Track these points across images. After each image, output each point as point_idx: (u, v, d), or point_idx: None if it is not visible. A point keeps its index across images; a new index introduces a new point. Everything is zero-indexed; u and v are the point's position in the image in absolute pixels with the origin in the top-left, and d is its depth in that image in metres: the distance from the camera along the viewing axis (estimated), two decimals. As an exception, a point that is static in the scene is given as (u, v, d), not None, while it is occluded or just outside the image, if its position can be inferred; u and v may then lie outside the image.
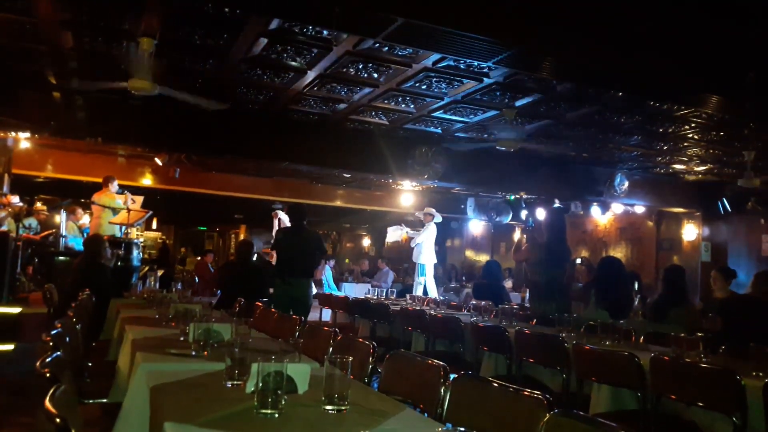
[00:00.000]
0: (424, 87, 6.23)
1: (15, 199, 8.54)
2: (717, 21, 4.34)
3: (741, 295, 5.93)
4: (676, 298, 5.14)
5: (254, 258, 7.59)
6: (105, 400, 3.18)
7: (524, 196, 11.65)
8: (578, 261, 9.01)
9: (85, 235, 9.00)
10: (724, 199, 10.33)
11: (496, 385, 2.20)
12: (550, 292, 6.03)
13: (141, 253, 9.14)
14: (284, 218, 10.61)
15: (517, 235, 14.88)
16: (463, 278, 14.70)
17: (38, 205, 10.02)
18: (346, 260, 18.26)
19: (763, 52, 4.59)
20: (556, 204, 10.43)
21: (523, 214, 11.98)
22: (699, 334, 3.84)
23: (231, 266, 7.81)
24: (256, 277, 6.93)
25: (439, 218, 10.55)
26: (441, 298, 9.58)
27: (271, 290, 6.83)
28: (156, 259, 14.06)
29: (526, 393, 2.04)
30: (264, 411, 1.79)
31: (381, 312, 6.63)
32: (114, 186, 8.61)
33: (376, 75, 5.95)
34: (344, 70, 5.82)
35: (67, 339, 2.77)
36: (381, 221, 16.26)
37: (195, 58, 5.73)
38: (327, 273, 13.19)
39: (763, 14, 4.21)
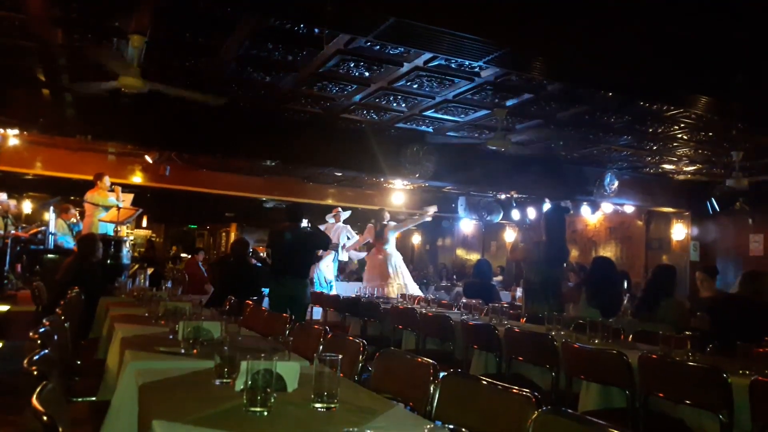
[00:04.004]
0: (415, 86, 6.23)
1: (3, 197, 8.48)
2: (706, 22, 4.37)
3: (729, 294, 5.96)
4: (666, 298, 5.17)
5: (250, 254, 7.58)
6: (94, 399, 3.18)
7: (515, 195, 11.68)
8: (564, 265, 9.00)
9: (75, 232, 8.95)
10: (713, 199, 10.40)
11: (485, 383, 2.22)
12: (546, 293, 6.02)
13: (131, 251, 9.10)
14: (343, 215, 10.69)
15: (507, 233, 14.93)
16: (454, 277, 14.72)
17: None
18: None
19: (752, 54, 4.63)
20: (547, 204, 10.43)
21: (514, 213, 12.01)
22: (687, 332, 3.87)
23: (225, 263, 7.78)
24: (251, 275, 6.92)
25: (343, 216, 10.77)
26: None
27: (264, 290, 6.83)
28: (142, 257, 13.99)
29: (514, 391, 2.05)
30: (253, 409, 1.80)
31: (372, 310, 6.64)
32: (106, 182, 8.57)
33: (367, 74, 5.94)
34: (335, 68, 5.82)
35: (55, 337, 2.76)
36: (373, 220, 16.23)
37: (186, 56, 5.70)
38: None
39: (752, 15, 4.25)
